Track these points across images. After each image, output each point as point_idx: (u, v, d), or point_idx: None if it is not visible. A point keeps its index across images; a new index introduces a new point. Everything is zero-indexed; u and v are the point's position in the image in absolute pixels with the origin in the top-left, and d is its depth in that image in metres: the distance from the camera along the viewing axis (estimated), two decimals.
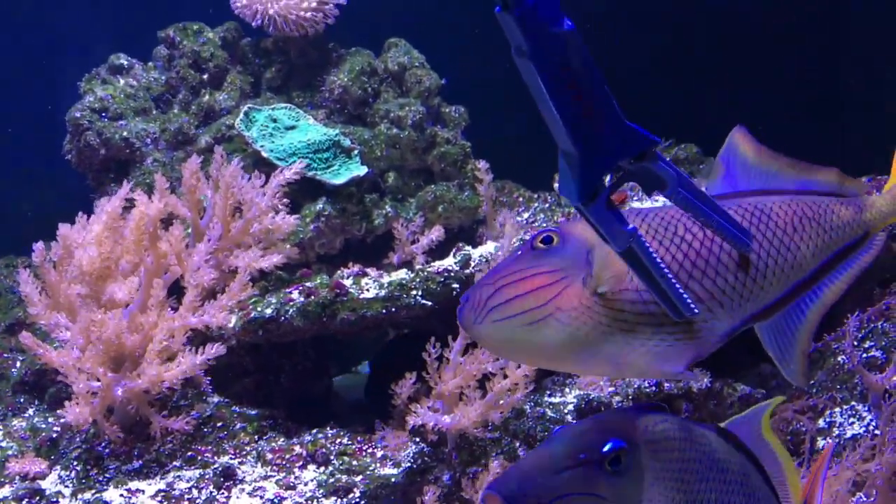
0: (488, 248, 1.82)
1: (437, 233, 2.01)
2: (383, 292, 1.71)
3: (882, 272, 1.90)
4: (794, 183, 0.89)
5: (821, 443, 1.66)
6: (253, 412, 1.79)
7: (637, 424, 0.76)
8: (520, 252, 0.84)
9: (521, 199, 2.69)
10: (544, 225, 2.43)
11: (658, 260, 0.74)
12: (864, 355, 1.70)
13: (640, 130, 0.72)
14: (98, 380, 1.67)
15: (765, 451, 0.86)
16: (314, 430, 1.71)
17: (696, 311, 0.76)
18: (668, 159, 0.74)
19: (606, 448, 0.72)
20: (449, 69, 2.53)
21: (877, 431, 1.57)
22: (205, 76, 2.40)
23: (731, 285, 0.82)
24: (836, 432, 1.65)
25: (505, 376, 1.55)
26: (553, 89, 0.70)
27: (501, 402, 1.55)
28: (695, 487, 0.77)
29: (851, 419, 1.65)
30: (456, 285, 1.72)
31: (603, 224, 0.73)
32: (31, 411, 2.04)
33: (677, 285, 0.75)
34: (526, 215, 2.59)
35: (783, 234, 0.85)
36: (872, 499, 1.40)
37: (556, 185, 2.62)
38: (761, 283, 0.84)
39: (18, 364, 2.17)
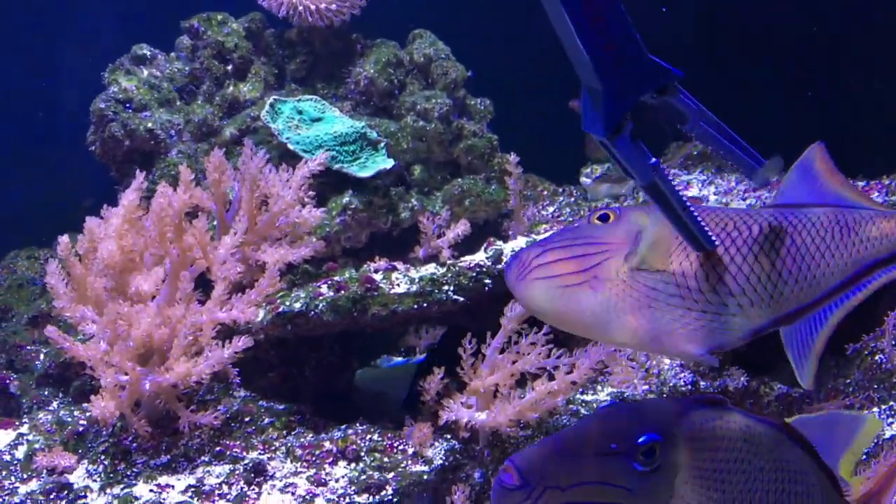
0: (519, 242, 1.79)
1: (462, 227, 1.99)
2: (414, 287, 1.69)
3: None
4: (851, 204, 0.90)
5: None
6: (281, 407, 1.77)
7: (683, 418, 0.73)
8: (576, 224, 0.88)
9: (545, 192, 2.67)
10: (570, 220, 2.40)
11: (681, 194, 0.77)
12: None
13: (663, 64, 0.74)
14: (126, 374, 1.65)
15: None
16: (343, 426, 1.69)
17: (716, 243, 0.78)
18: (688, 94, 0.76)
19: (641, 440, 0.69)
20: (473, 61, 2.50)
21: None
22: (229, 67, 2.38)
23: (763, 284, 0.84)
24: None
25: (551, 378, 1.52)
26: (578, 24, 0.71)
27: (542, 403, 1.53)
28: (739, 487, 0.74)
29: (890, 419, 1.63)
30: (488, 280, 1.70)
31: (628, 157, 0.75)
32: (55, 404, 2.03)
33: (699, 218, 0.77)
34: (551, 209, 2.57)
35: (821, 241, 0.86)
36: None
37: (582, 179, 2.59)
38: (793, 286, 0.86)
39: (42, 356, 2.16)
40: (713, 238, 0.79)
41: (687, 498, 0.71)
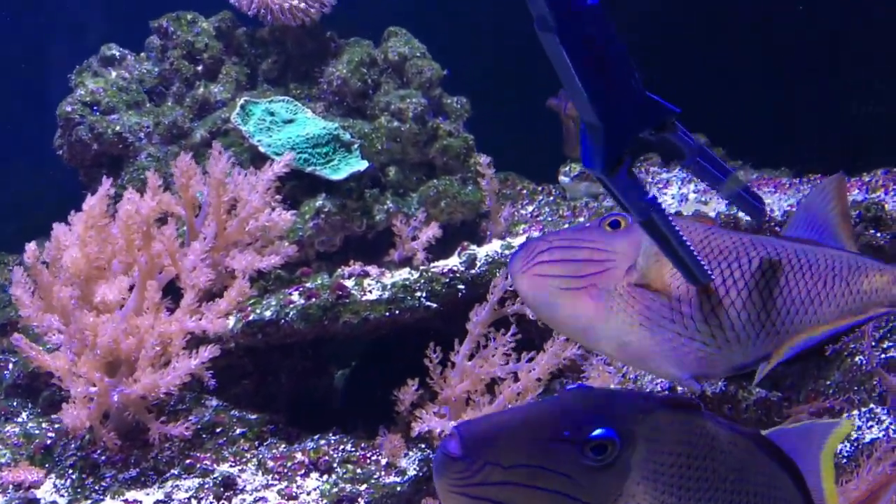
0: (494, 246, 1.76)
1: (433, 230, 1.97)
2: (386, 294, 1.66)
3: None
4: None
5: (838, 447, 1.61)
6: (253, 417, 1.74)
7: (647, 416, 0.70)
8: (588, 225, 0.89)
9: (524, 191, 2.64)
10: (549, 220, 2.37)
11: (678, 229, 0.77)
12: (883, 356, 1.65)
13: (661, 101, 0.75)
14: (94, 385, 1.62)
15: (812, 473, 0.81)
16: (316, 437, 1.66)
17: (712, 277, 0.79)
18: (686, 130, 0.77)
19: (594, 434, 0.66)
20: (450, 58, 2.47)
21: None
22: (199, 68, 2.33)
23: (752, 323, 0.85)
24: (854, 436, 1.61)
25: (516, 379, 1.50)
26: (578, 63, 0.71)
27: (511, 406, 1.51)
28: (698, 496, 0.72)
29: (870, 423, 1.61)
30: (461, 286, 1.67)
31: (625, 194, 0.76)
32: (24, 415, 1.99)
33: (696, 253, 0.78)
34: (530, 208, 2.54)
35: (813, 287, 0.87)
36: None
37: (561, 178, 2.56)
38: (780, 328, 0.87)
39: (11, 366, 2.12)
40: (708, 271, 0.79)
41: (637, 499, 0.68)
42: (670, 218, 0.76)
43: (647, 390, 1.57)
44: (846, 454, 1.61)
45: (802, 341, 0.87)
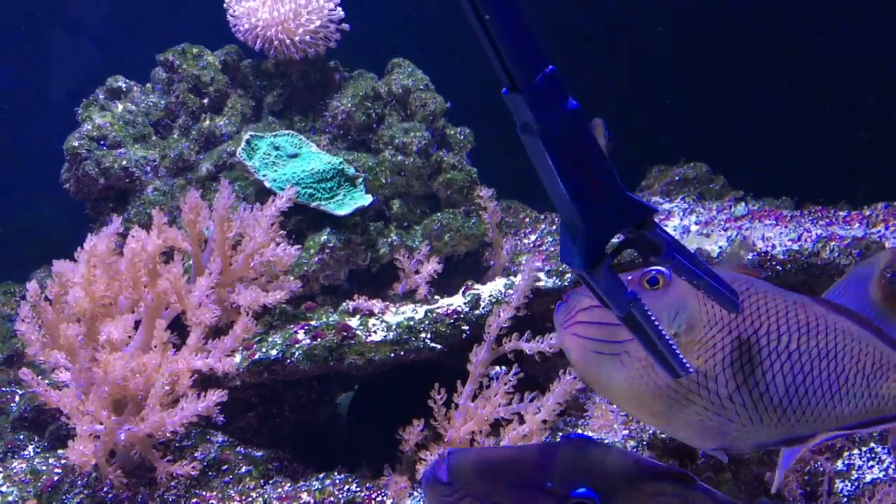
0: (497, 285, 1.78)
1: (433, 265, 1.98)
2: (391, 335, 1.67)
3: None
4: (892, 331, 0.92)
5: (839, 485, 1.63)
6: (258, 454, 1.75)
7: (635, 485, 0.71)
8: (630, 277, 0.89)
9: (527, 219, 2.65)
10: (552, 249, 2.39)
11: (657, 323, 0.78)
12: None
13: (639, 201, 0.77)
14: (101, 423, 1.63)
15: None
16: (321, 475, 1.67)
17: (691, 370, 0.80)
18: (663, 227, 0.79)
19: (576, 491, 0.68)
20: (454, 86, 2.48)
21: None
22: (205, 101, 2.35)
23: (774, 407, 0.87)
24: (855, 475, 1.62)
25: (522, 422, 1.52)
26: (560, 166, 0.73)
27: None
28: None
29: (871, 462, 1.62)
30: (466, 327, 1.68)
31: (606, 290, 0.77)
32: (30, 449, 2.00)
33: (675, 347, 0.79)
34: (533, 237, 2.56)
35: (834, 382, 0.88)
36: None
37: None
38: (800, 417, 0.86)
39: (17, 399, 2.13)
40: (687, 365, 0.80)
41: None
42: (649, 313, 0.78)
43: (650, 431, 1.58)
44: (847, 493, 1.62)
45: (819, 440, 0.88)
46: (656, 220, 0.77)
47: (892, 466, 1.60)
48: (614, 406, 1.60)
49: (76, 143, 2.19)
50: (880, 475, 1.59)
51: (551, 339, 1.55)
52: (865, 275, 0.94)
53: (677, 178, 2.64)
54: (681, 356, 0.79)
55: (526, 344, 1.56)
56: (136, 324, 1.78)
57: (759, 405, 0.87)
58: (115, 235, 1.79)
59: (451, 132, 2.39)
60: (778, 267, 1.87)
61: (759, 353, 0.86)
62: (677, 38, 3.00)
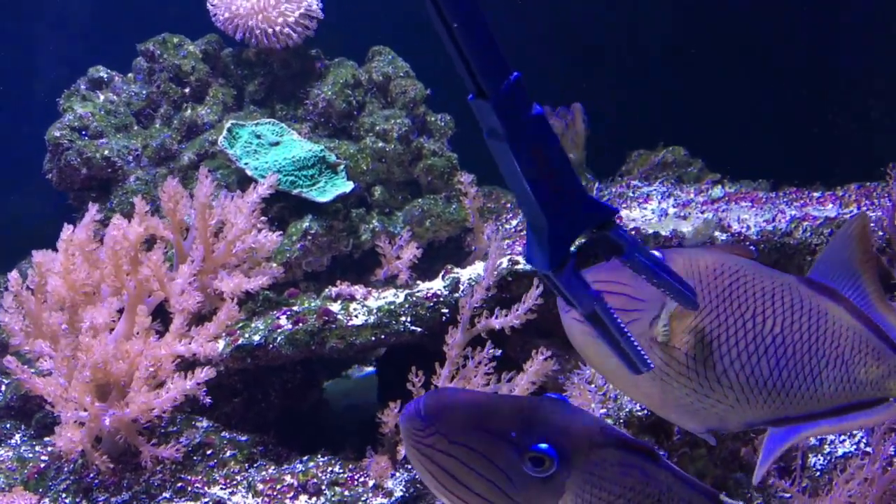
0: (477, 269, 1.80)
1: (413, 251, 2.01)
2: (372, 318, 1.70)
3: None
4: (873, 313, 0.94)
5: (812, 460, 1.66)
6: (243, 438, 1.77)
7: (596, 450, 0.72)
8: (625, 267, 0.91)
9: (508, 205, 2.68)
10: None
11: (619, 321, 0.81)
12: None
13: (601, 203, 0.80)
14: (85, 409, 1.65)
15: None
16: (305, 458, 1.70)
17: (651, 366, 0.83)
18: (624, 228, 0.82)
19: (536, 445, 0.70)
20: (434, 73, 2.50)
21: (867, 450, 1.57)
22: (186, 90, 2.36)
23: (759, 388, 0.90)
24: (828, 450, 1.65)
25: None
26: (527, 169, 0.76)
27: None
28: None
29: (843, 437, 1.65)
30: (445, 310, 1.71)
31: (570, 289, 0.80)
32: (17, 437, 2.01)
33: (637, 344, 0.82)
34: (514, 222, 2.58)
35: (815, 366, 0.92)
36: None
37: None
38: (784, 398, 0.90)
39: (3, 388, 2.15)
40: (648, 360, 0.83)
41: None
42: (612, 311, 0.80)
43: (627, 409, 1.61)
44: (819, 467, 1.66)
45: (806, 436, 0.92)
46: (617, 221, 0.80)
47: (864, 440, 1.63)
48: (585, 377, 1.63)
49: (58, 134, 2.20)
50: (852, 449, 1.63)
51: (517, 310, 1.58)
52: (844, 236, 0.96)
53: (656, 161, 2.66)
54: (642, 352, 0.82)
55: (496, 321, 1.59)
56: (120, 312, 1.79)
57: (746, 387, 0.90)
58: (93, 224, 1.80)
59: (432, 119, 2.41)
60: (752, 248, 1.90)
61: (745, 336, 0.90)
62: (657, 26, 3.03)
